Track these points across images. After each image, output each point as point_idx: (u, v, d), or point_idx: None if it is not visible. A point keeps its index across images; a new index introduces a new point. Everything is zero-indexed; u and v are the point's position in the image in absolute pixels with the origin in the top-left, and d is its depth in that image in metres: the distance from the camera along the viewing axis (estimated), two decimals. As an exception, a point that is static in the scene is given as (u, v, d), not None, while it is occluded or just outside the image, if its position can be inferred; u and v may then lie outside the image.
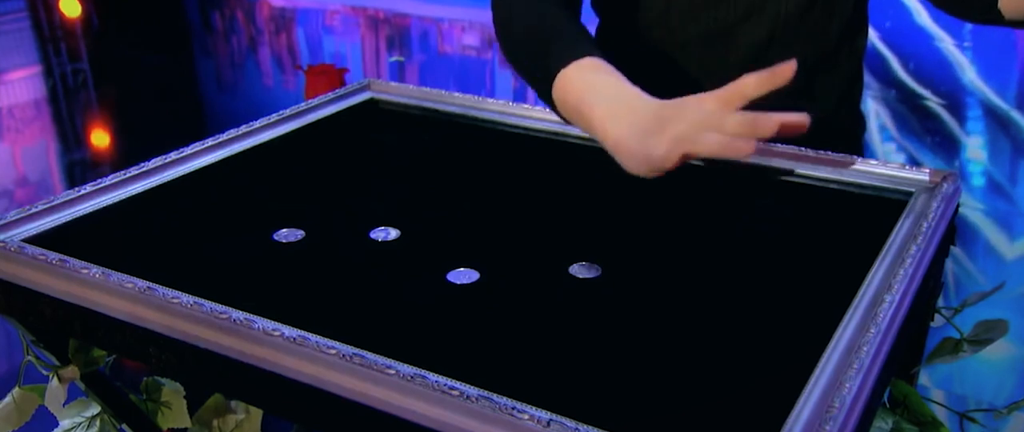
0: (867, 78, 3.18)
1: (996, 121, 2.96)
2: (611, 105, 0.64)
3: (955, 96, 3.15)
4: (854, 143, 0.96)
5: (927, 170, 0.71)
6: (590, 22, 0.97)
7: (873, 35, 3.57)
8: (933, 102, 3.08)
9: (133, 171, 0.75)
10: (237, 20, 4.67)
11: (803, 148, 0.76)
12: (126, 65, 3.96)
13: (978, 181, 2.56)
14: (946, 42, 3.57)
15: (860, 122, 0.96)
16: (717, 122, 0.59)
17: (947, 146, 2.82)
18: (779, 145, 0.77)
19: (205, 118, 3.48)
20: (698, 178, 0.77)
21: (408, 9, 4.49)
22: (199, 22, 4.71)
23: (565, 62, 0.67)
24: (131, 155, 2.77)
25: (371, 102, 0.95)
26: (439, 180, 0.78)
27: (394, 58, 3.69)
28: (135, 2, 4.67)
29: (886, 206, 0.69)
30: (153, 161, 0.77)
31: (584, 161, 0.82)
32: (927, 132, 2.89)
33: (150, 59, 4.04)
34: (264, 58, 4.16)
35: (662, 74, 0.90)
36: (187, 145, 0.79)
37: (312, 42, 4.31)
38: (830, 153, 0.75)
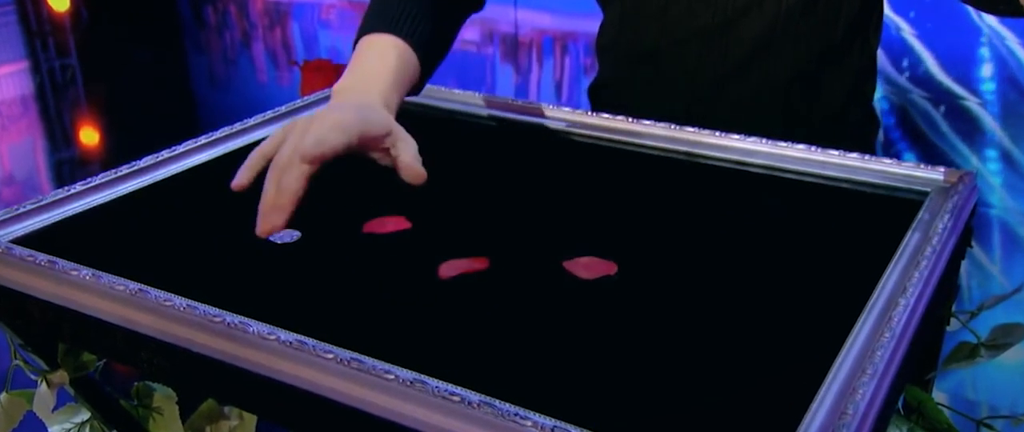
0: (902, 79, 3.15)
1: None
2: (349, 84, 0.69)
3: (994, 94, 3.15)
4: (866, 143, 0.96)
5: (942, 169, 0.71)
6: (595, 18, 0.97)
7: (909, 32, 3.57)
8: (971, 101, 3.08)
9: (124, 170, 0.75)
10: (230, 14, 4.68)
11: (813, 147, 0.76)
12: (116, 60, 3.96)
13: (1005, 179, 2.55)
14: (984, 38, 3.56)
15: (872, 121, 0.96)
16: (297, 135, 0.60)
17: (979, 144, 2.81)
18: (790, 144, 0.77)
19: (197, 115, 3.49)
20: (707, 178, 0.77)
21: None
22: (191, 16, 4.72)
23: (374, 30, 0.71)
24: (121, 153, 2.77)
25: (369, 99, 0.95)
26: (439, 179, 0.78)
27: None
28: (125, -4, 4.68)
29: (900, 206, 0.69)
30: (144, 160, 0.77)
31: (589, 159, 0.82)
32: (960, 132, 2.88)
33: (141, 54, 4.04)
34: (258, 53, 4.17)
35: (664, 70, 0.91)
36: (179, 143, 0.80)
37: (307, 36, 4.32)
38: (842, 152, 0.75)
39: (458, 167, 0.81)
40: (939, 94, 3.18)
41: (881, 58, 3.43)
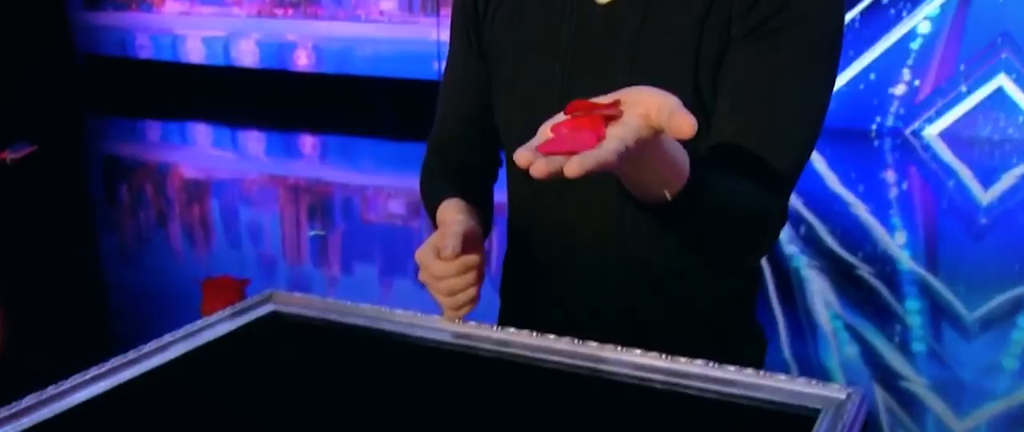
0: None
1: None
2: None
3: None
4: (755, 353, 1.01)
5: (835, 386, 0.75)
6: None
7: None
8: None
9: (2, 413, 0.73)
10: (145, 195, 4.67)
11: (711, 363, 0.79)
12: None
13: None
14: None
15: (757, 333, 1.03)
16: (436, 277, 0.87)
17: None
18: (689, 360, 0.80)
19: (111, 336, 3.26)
20: (610, 394, 0.79)
21: (329, 177, 4.58)
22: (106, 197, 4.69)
23: (435, 201, 0.99)
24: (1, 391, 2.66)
25: (274, 315, 0.96)
26: (347, 401, 0.79)
27: (314, 233, 3.73)
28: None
29: (796, 423, 0.72)
30: (26, 399, 0.75)
31: (493, 375, 0.84)
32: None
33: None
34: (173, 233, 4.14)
35: (555, 280, 0.98)
36: (66, 378, 0.78)
37: (227, 215, 4.33)
38: (738, 368, 0.78)
39: (365, 385, 0.81)
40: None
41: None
